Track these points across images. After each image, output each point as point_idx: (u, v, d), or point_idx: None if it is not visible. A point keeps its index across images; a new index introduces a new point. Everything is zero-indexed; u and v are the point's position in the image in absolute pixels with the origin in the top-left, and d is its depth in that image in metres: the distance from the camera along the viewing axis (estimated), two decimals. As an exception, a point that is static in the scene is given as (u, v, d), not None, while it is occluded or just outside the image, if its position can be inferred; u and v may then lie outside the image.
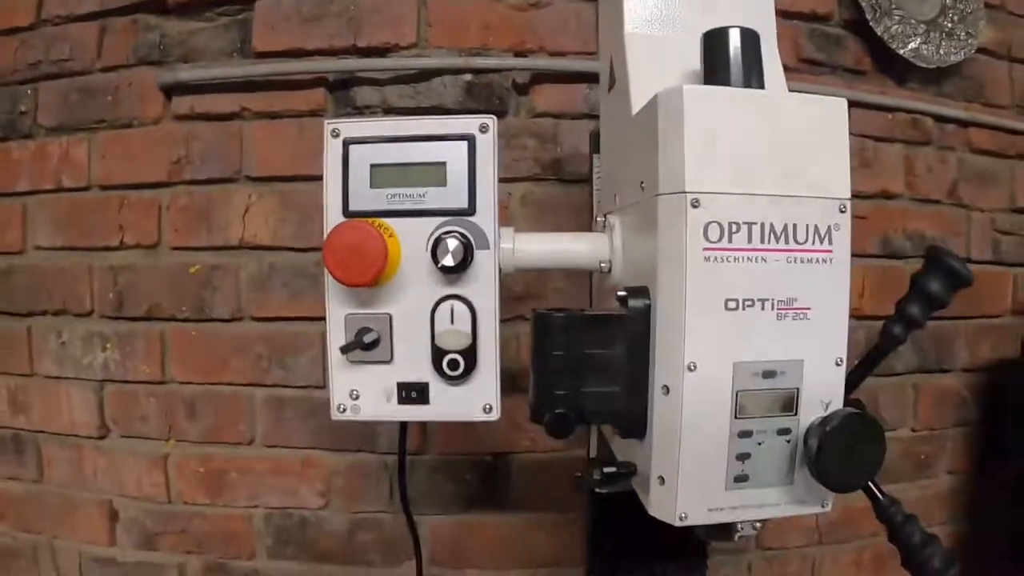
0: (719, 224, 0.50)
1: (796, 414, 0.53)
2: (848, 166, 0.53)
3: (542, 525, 1.27)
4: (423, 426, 1.25)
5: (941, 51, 1.33)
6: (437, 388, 0.64)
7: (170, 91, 1.24)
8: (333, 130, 0.64)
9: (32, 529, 1.36)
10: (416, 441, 1.25)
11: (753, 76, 0.55)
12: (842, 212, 0.53)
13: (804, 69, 1.31)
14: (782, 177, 0.52)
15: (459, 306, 0.62)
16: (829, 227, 0.52)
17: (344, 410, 0.66)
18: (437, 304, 0.63)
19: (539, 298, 1.22)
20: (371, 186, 0.63)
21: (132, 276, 1.26)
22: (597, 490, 0.77)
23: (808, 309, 0.52)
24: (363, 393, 0.65)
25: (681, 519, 0.53)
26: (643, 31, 0.66)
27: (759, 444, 0.53)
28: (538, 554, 1.28)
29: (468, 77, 1.21)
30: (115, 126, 1.26)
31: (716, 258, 0.50)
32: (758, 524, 0.59)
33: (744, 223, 0.51)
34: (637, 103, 0.60)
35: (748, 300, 0.51)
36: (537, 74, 1.22)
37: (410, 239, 0.62)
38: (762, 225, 0.51)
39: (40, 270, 1.30)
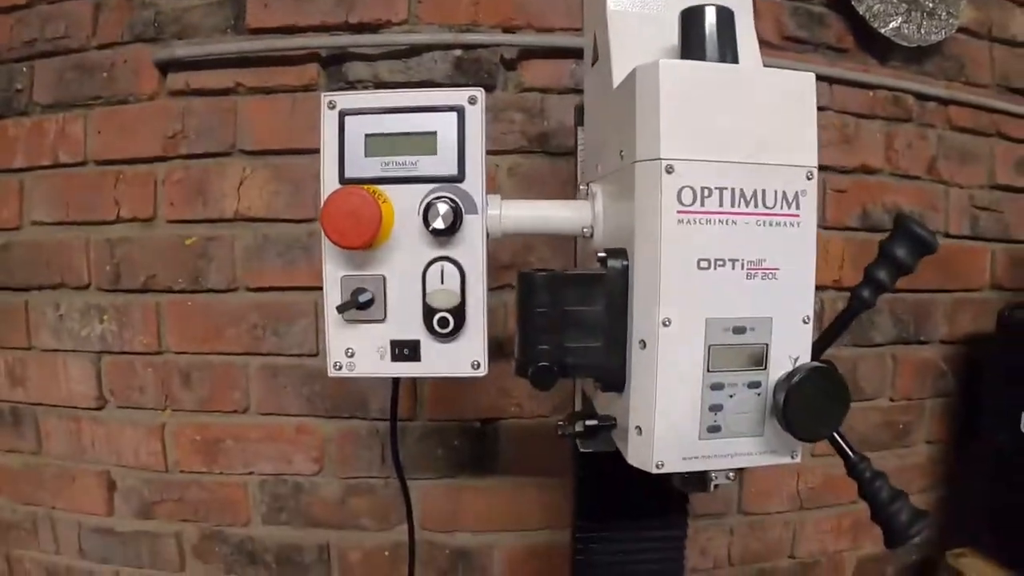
0: (692, 189, 0.53)
1: (766, 368, 0.57)
2: (815, 136, 0.57)
3: (530, 489, 1.31)
4: (414, 393, 1.27)
5: (922, 30, 1.35)
6: (428, 345, 0.67)
7: (165, 67, 1.25)
8: (330, 102, 0.66)
9: (31, 501, 1.38)
10: (406, 408, 1.27)
11: (727, 51, 0.59)
12: (809, 179, 0.56)
13: (787, 47, 1.32)
14: (752, 146, 0.55)
15: (449, 267, 0.66)
16: (796, 193, 0.56)
17: (340, 367, 0.68)
18: (428, 265, 0.66)
19: (525, 267, 1.24)
20: (366, 155, 0.66)
21: (129, 249, 1.28)
22: (582, 450, 0.81)
23: (776, 269, 0.56)
24: (358, 351, 0.68)
25: (658, 467, 0.56)
26: (625, 8, 0.69)
27: (731, 396, 0.56)
28: (527, 517, 1.32)
29: (458, 53, 1.23)
30: (111, 102, 1.27)
31: (689, 220, 0.54)
32: (732, 474, 0.62)
33: (716, 188, 0.54)
34: (618, 77, 0.63)
35: (719, 260, 0.54)
36: (525, 50, 1.24)
37: (402, 204, 0.65)
38: (733, 190, 0.54)
39: (37, 245, 1.31)
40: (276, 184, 1.25)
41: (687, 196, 0.53)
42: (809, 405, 0.55)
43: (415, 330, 0.67)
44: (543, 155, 1.26)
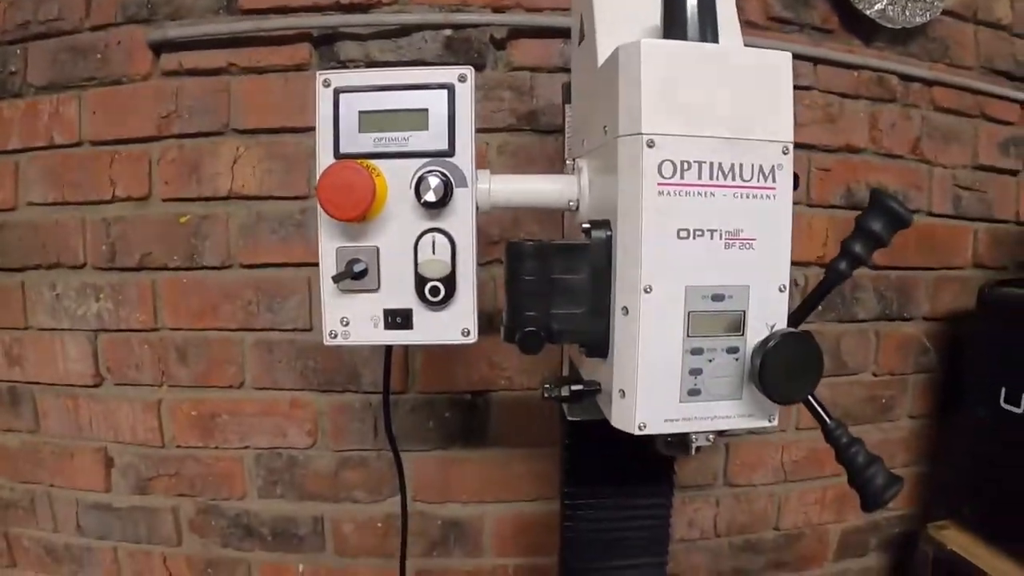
0: (672, 162, 0.56)
1: (743, 334, 0.59)
2: (791, 113, 0.59)
3: (520, 459, 1.34)
4: (405, 366, 1.30)
5: (907, 12, 1.36)
6: (420, 314, 0.70)
7: (159, 48, 1.26)
8: (325, 80, 0.69)
9: (29, 479, 1.40)
10: (398, 381, 1.30)
11: (708, 31, 0.60)
12: (785, 154, 0.59)
13: (772, 27, 1.34)
14: (731, 121, 0.58)
15: (440, 238, 0.68)
16: (773, 167, 0.58)
17: (336, 336, 0.71)
18: (420, 237, 0.68)
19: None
20: (359, 131, 0.68)
21: (124, 228, 1.29)
22: (569, 418, 0.83)
23: (753, 240, 0.58)
24: (353, 320, 0.70)
25: (640, 428, 0.59)
26: (610, -12, 0.71)
27: (710, 361, 0.59)
28: (517, 487, 1.35)
29: (448, 32, 1.24)
30: (104, 83, 1.28)
31: (669, 192, 0.56)
32: (711, 436, 0.65)
33: (695, 161, 0.56)
34: (602, 56, 0.65)
35: (698, 230, 0.57)
36: (514, 29, 1.25)
37: (395, 178, 0.68)
38: (711, 164, 0.57)
39: (33, 225, 1.32)
40: (269, 162, 1.26)
41: (667, 169, 0.56)
42: (784, 369, 0.58)
43: (408, 299, 0.70)
44: (532, 133, 1.28)
